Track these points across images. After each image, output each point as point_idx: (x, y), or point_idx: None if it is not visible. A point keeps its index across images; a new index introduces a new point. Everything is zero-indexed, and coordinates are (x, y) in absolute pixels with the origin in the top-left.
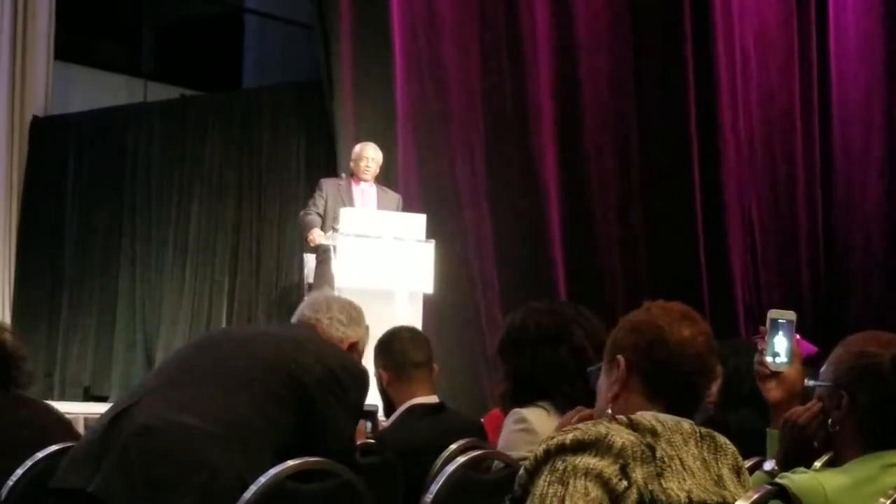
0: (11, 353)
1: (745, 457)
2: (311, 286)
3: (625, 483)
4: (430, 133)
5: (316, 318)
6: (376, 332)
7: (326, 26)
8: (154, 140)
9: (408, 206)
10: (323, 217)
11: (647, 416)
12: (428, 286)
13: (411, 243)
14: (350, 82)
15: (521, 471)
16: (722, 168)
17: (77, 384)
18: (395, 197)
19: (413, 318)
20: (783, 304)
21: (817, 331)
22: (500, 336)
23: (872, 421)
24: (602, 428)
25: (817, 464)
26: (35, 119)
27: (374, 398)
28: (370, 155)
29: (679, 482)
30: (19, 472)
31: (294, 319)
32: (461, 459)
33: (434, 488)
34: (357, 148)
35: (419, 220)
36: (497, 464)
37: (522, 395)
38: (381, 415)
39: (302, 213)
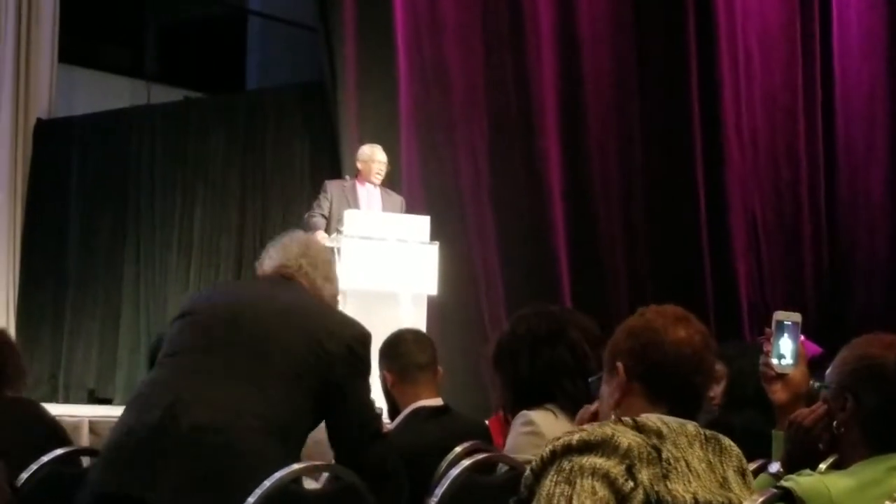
0: None
1: (750, 459)
2: None
3: (631, 483)
4: (434, 134)
5: (312, 278)
6: (380, 334)
7: (330, 28)
8: (157, 142)
9: (411, 208)
10: (328, 219)
11: (652, 418)
12: (432, 288)
13: (415, 245)
14: (353, 83)
15: (527, 472)
16: (725, 167)
17: (81, 387)
18: (398, 199)
19: (417, 319)
20: (787, 304)
21: (821, 331)
22: (493, 350)
23: (877, 423)
24: (608, 429)
25: (822, 466)
26: (39, 121)
27: (378, 400)
28: (381, 158)
29: (685, 484)
30: (24, 475)
31: (287, 264)
32: (466, 462)
33: (439, 491)
34: (367, 150)
35: (423, 222)
36: (502, 466)
37: (524, 400)
38: (385, 417)
39: (306, 215)
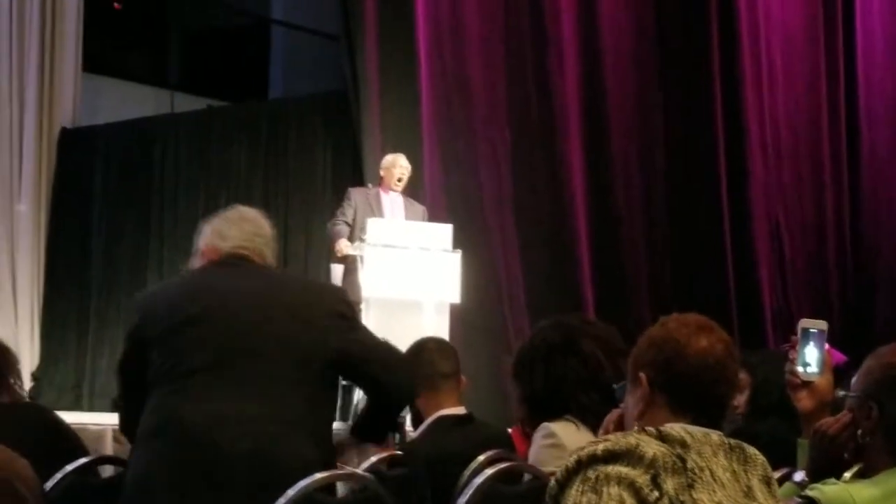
0: None
1: (775, 467)
2: None
3: (656, 493)
4: (456, 142)
5: (266, 255)
6: (403, 342)
7: (352, 37)
8: (181, 151)
9: (434, 216)
10: (351, 226)
11: (675, 428)
12: (455, 296)
13: (438, 253)
14: (376, 93)
15: (552, 482)
16: (748, 175)
17: (106, 395)
18: (420, 208)
19: (440, 328)
20: (811, 312)
21: (846, 339)
22: (513, 361)
23: None
24: (632, 439)
25: (847, 475)
26: (63, 130)
27: None
28: (404, 164)
29: (710, 493)
30: (49, 484)
31: (245, 245)
32: (489, 471)
33: (462, 500)
34: (389, 157)
35: (445, 231)
36: (526, 476)
37: (539, 412)
38: (408, 426)
39: (330, 223)
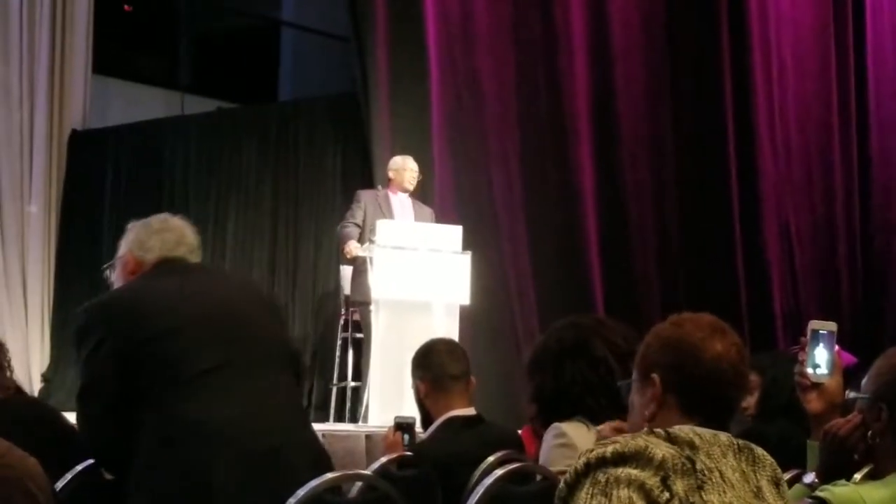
0: None
1: (785, 469)
2: (347, 298)
3: (667, 495)
4: (466, 144)
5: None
6: (413, 344)
7: (362, 39)
8: (191, 152)
9: (444, 218)
10: (361, 228)
11: (685, 429)
12: (464, 298)
13: (448, 255)
14: (386, 94)
15: (561, 484)
16: (759, 176)
17: None
18: (428, 210)
19: (450, 329)
20: (821, 313)
21: (856, 340)
22: (527, 360)
23: None
24: (641, 441)
25: (857, 476)
26: (73, 132)
27: (411, 410)
28: (413, 166)
29: (719, 495)
30: (60, 484)
31: (192, 250)
32: (499, 472)
33: (472, 501)
34: (398, 159)
35: (455, 232)
36: (537, 476)
37: (550, 413)
38: (418, 427)
39: (339, 225)
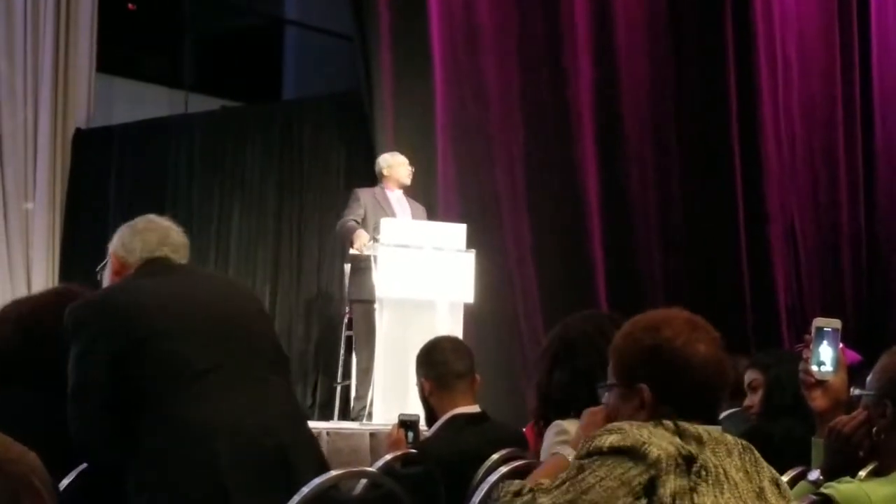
0: None
1: (789, 466)
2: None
3: (644, 501)
4: (470, 143)
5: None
6: (418, 342)
7: (366, 37)
8: (195, 151)
9: (447, 216)
10: (361, 225)
11: (696, 424)
12: (468, 296)
13: (452, 253)
14: (390, 93)
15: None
16: (764, 174)
17: None
18: (421, 207)
19: (454, 327)
20: (825, 311)
21: (860, 338)
22: (539, 351)
23: None
24: (644, 433)
25: (862, 473)
26: (78, 131)
27: (415, 408)
28: (405, 161)
29: (716, 495)
30: (65, 482)
31: (180, 252)
32: (503, 469)
33: (476, 498)
34: (388, 156)
35: (459, 230)
36: None
37: (547, 409)
38: (422, 424)
39: (339, 222)
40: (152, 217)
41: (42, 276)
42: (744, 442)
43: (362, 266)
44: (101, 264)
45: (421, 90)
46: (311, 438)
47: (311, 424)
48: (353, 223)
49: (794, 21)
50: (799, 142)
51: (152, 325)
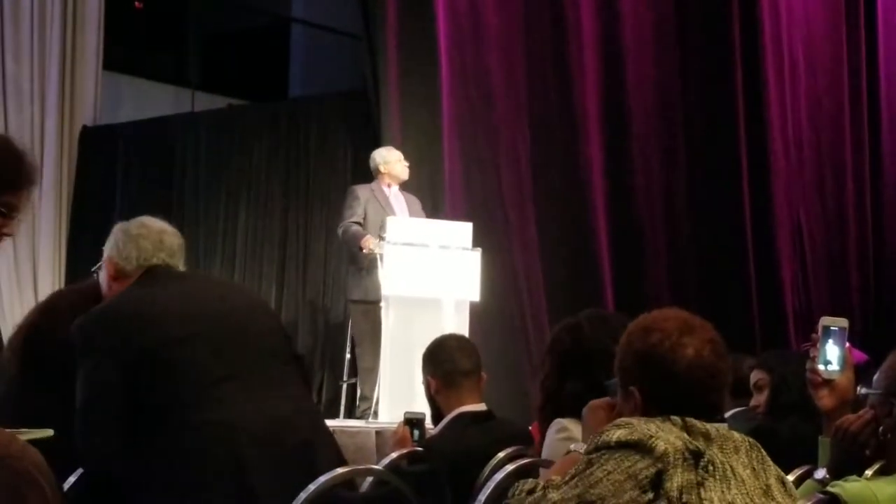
0: None
1: (796, 465)
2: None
3: (650, 496)
4: (476, 141)
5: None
6: (424, 340)
7: (373, 36)
8: (201, 149)
9: (454, 215)
10: (362, 225)
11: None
12: (474, 294)
13: (458, 251)
14: (396, 92)
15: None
16: (770, 174)
17: None
18: (415, 199)
19: (460, 326)
20: (833, 311)
21: (867, 338)
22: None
23: None
24: (652, 427)
25: (869, 472)
26: (84, 129)
27: (421, 406)
28: (401, 156)
29: (723, 491)
30: (72, 479)
31: (142, 264)
32: (509, 467)
33: (482, 496)
34: (384, 152)
35: (465, 229)
36: (545, 471)
37: (550, 405)
38: (428, 422)
39: (341, 226)
40: (146, 220)
41: (48, 273)
42: (751, 440)
43: (360, 267)
44: (97, 266)
45: (427, 89)
46: (330, 436)
47: None
48: (357, 227)
49: (802, 21)
50: (806, 143)
51: (161, 334)
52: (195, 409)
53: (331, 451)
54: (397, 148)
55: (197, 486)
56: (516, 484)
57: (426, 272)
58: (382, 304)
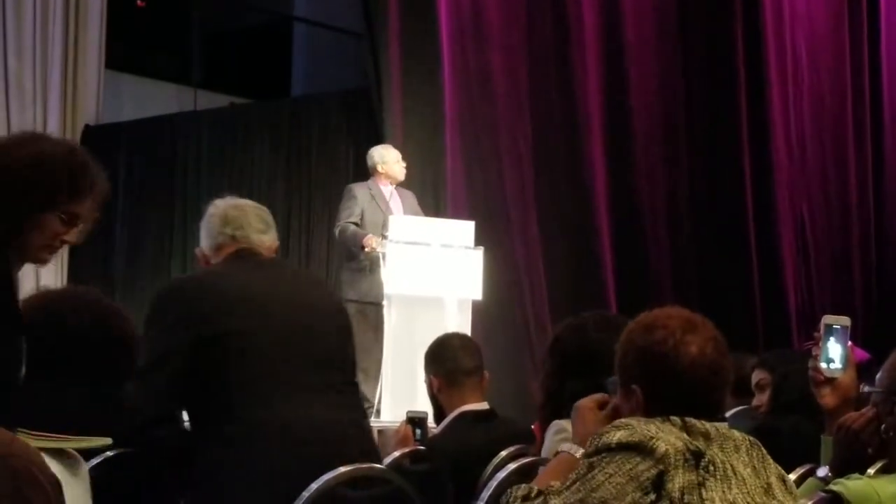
0: None
1: (798, 464)
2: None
3: (652, 496)
4: (479, 140)
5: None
6: (426, 339)
7: (375, 34)
8: (203, 148)
9: (456, 213)
10: (359, 225)
11: (703, 421)
12: (477, 293)
13: (460, 250)
14: (399, 90)
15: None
16: (773, 172)
17: None
18: (410, 194)
19: (462, 325)
20: (835, 309)
21: (870, 336)
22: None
23: None
24: (652, 428)
25: (871, 470)
26: (86, 127)
27: (424, 405)
28: (399, 157)
29: (724, 491)
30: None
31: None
32: (512, 466)
33: (485, 495)
34: (382, 152)
35: (468, 227)
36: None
37: (552, 410)
38: (430, 421)
39: (339, 227)
40: (232, 201)
41: (50, 271)
42: (751, 438)
43: (358, 267)
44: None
45: (429, 87)
46: (377, 449)
47: None
48: (355, 227)
49: (804, 18)
50: (808, 139)
51: (234, 320)
52: (249, 403)
53: (377, 459)
54: (399, 146)
55: (241, 485)
56: (509, 490)
57: (428, 271)
58: (385, 302)
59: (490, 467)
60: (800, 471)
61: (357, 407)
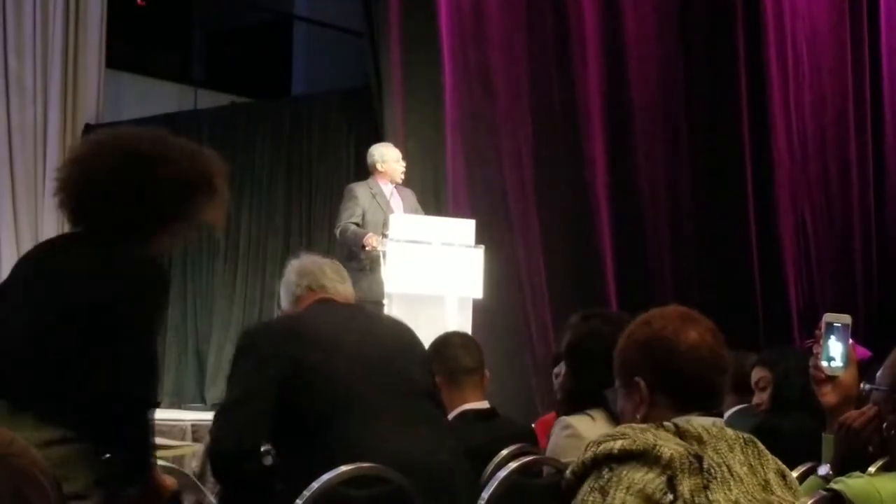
0: None
1: (799, 462)
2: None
3: (670, 497)
4: (479, 139)
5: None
6: (427, 337)
7: (376, 33)
8: (204, 147)
9: (457, 212)
10: (360, 226)
11: (693, 423)
12: (477, 291)
13: (461, 249)
14: (399, 89)
15: (568, 473)
16: (775, 172)
17: None
18: (410, 192)
19: (463, 323)
20: (836, 308)
21: (870, 334)
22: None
23: None
24: (650, 436)
25: (872, 468)
26: (87, 127)
27: None
28: (399, 157)
29: (725, 492)
30: None
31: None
32: (513, 464)
33: (486, 493)
34: (384, 151)
35: (468, 226)
36: (548, 469)
37: (573, 404)
38: None
39: (340, 228)
40: (312, 256)
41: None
42: (745, 435)
43: (354, 267)
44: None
45: (430, 86)
46: (463, 461)
47: None
48: (355, 227)
49: (805, 17)
50: (809, 138)
51: (323, 358)
52: (340, 432)
53: (466, 480)
54: (400, 145)
55: None
56: None
57: (429, 269)
58: (385, 301)
59: (491, 466)
60: (801, 469)
61: (448, 433)
